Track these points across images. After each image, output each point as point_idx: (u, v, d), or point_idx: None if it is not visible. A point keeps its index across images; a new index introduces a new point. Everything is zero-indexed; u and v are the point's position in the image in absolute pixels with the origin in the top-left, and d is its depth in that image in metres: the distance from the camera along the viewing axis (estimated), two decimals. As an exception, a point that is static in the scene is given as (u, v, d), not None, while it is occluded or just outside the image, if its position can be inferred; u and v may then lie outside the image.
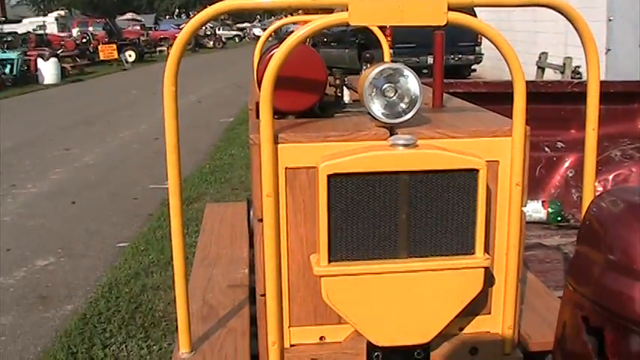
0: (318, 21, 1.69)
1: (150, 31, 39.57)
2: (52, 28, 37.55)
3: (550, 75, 12.19)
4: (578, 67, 11.40)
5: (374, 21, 1.70)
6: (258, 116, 1.73)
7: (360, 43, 16.44)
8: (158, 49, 35.45)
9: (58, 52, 24.48)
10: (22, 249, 6.15)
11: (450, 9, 1.68)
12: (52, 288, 5.28)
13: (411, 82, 1.85)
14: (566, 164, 4.06)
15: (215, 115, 14.11)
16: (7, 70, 20.90)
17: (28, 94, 19.24)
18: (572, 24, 1.80)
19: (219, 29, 49.48)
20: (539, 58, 12.70)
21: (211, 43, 43.16)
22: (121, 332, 4.39)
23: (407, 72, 1.85)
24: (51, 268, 5.71)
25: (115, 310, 4.72)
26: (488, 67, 16.82)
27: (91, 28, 33.61)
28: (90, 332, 4.40)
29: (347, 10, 1.66)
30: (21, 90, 19.77)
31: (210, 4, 1.75)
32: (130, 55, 29.99)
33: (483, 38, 1.81)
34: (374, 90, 1.84)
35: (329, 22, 1.70)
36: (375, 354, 1.86)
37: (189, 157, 9.18)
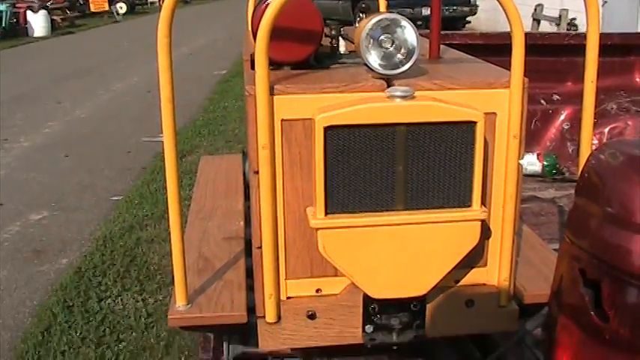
0: None
1: (141, -17, 39.07)
2: (41, -20, 37.00)
3: (546, 27, 12.11)
4: (574, 19, 11.33)
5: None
6: (253, 67, 1.71)
7: (354, -5, 16.31)
8: (150, 0, 35.04)
9: (48, 4, 24.15)
10: (15, 203, 6.15)
11: None
12: (47, 242, 5.29)
13: (408, 32, 1.82)
14: (562, 117, 4.05)
15: (208, 67, 14.01)
16: (-4, 23, 20.66)
17: (17, 47, 19.05)
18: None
19: (211, -20, 48.89)
20: (535, 10, 12.60)
21: (203, -6, 42.68)
22: (116, 285, 4.41)
23: (404, 22, 1.82)
24: (45, 222, 5.72)
25: (110, 264, 4.74)
26: (483, 19, 16.69)
27: (81, -20, 33.15)
28: (85, 285, 4.43)
29: None
30: (10, 43, 19.55)
31: None
32: (121, 7, 29.60)
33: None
34: (371, 41, 1.81)
35: None
36: (372, 306, 1.87)
37: (183, 111, 9.12)
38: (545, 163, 3.65)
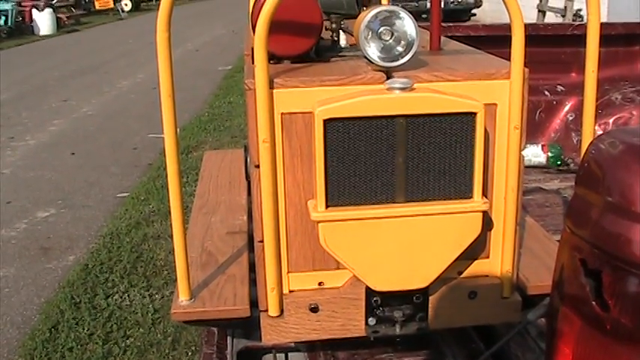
0: None
1: (146, -20, 39.09)
2: (46, -22, 37.08)
3: (551, 18, 12.05)
4: (580, 10, 11.28)
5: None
6: (253, 61, 1.71)
7: (358, -12, 16.24)
8: (154, -3, 35.04)
9: (53, 2, 24.16)
10: (22, 201, 6.17)
11: None
12: (54, 239, 5.31)
13: (408, 24, 1.81)
14: (567, 108, 4.04)
15: (213, 63, 14.02)
16: (1, 22, 20.66)
17: (23, 46, 19.08)
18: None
19: (215, -24, 48.88)
20: (540, 1, 12.55)
21: (208, -10, 42.67)
22: (123, 282, 4.43)
23: (403, 14, 1.81)
24: (52, 219, 5.74)
25: (117, 260, 4.76)
26: (488, 11, 16.64)
27: (85, -23, 33.18)
28: (92, 282, 4.45)
29: None
30: (16, 41, 19.58)
31: None
32: (126, 5, 29.61)
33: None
34: (370, 33, 1.81)
35: None
36: (374, 299, 1.87)
37: (188, 106, 9.14)
38: (549, 154, 3.64)
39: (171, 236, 2.02)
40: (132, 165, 7.15)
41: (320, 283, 1.90)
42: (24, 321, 4.11)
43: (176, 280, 1.98)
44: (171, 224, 1.93)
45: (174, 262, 1.95)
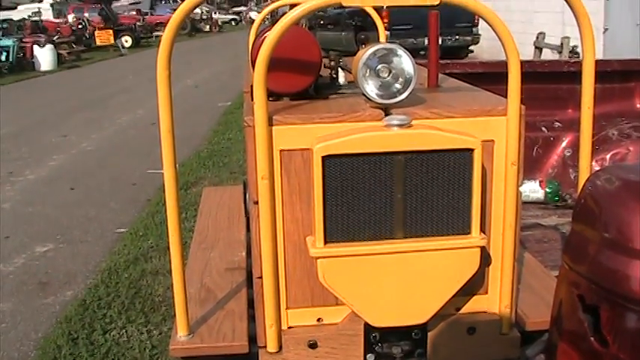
0: (311, 2, 1.68)
1: (146, 16, 39.42)
2: (47, 15, 37.34)
3: (548, 55, 12.16)
4: (576, 46, 11.36)
5: (367, 2, 1.70)
6: (253, 98, 1.73)
7: (356, 26, 16.38)
8: (154, 34, 35.27)
9: (54, 38, 24.40)
10: (20, 236, 6.16)
11: None
12: (52, 274, 5.29)
13: (405, 62, 1.84)
14: (564, 144, 4.06)
15: (213, 99, 14.07)
16: (3, 58, 20.82)
17: (24, 81, 19.19)
18: (566, 1, 1.79)
19: (215, 13, 49.31)
20: (537, 37, 12.66)
21: (208, 27, 43.04)
22: (121, 317, 4.40)
23: (401, 52, 1.84)
24: (50, 254, 5.72)
25: (115, 296, 4.73)
26: (486, 48, 16.76)
27: (86, 14, 33.48)
28: (90, 318, 4.41)
29: None
30: (17, 77, 19.71)
31: None
32: (126, 41, 29.89)
33: (480, 19, 1.80)
34: (368, 70, 1.83)
35: (322, 3, 1.69)
36: (373, 335, 1.86)
37: (187, 142, 9.17)
38: (547, 189, 3.65)
39: (169, 272, 2.02)
40: (131, 200, 7.14)
41: (319, 319, 1.90)
42: (21, 357, 4.07)
43: (174, 315, 1.97)
44: (170, 260, 1.93)
45: (173, 297, 1.95)
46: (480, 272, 1.85)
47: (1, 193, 7.60)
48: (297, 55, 1.90)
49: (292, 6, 2.32)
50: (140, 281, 4.95)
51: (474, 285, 1.89)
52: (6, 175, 8.35)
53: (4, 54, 20.86)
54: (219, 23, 45.88)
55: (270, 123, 1.74)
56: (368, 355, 1.88)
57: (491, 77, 2.68)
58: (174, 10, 1.83)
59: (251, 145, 1.76)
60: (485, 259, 1.88)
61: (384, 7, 2.70)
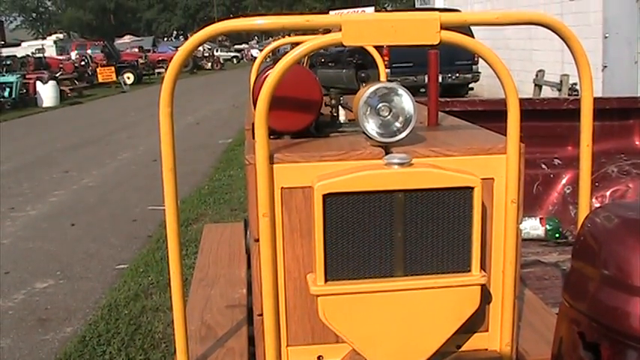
0: (312, 41, 1.70)
1: (148, 54, 39.78)
2: (50, 52, 37.78)
3: (547, 92, 12.24)
4: (575, 84, 11.44)
5: (367, 41, 1.71)
6: (254, 136, 1.74)
7: (357, 64, 16.54)
8: (157, 71, 35.61)
9: (57, 74, 24.60)
10: (20, 272, 6.15)
11: (443, 28, 1.69)
12: (52, 310, 5.27)
13: (406, 101, 1.86)
14: (564, 181, 4.07)
15: (214, 136, 14.15)
16: (6, 94, 20.99)
17: (26, 117, 19.30)
18: (564, 40, 1.81)
19: (217, 51, 49.75)
20: (536, 75, 12.77)
21: (209, 64, 43.39)
22: (121, 354, 4.37)
23: (401, 91, 1.86)
24: (50, 290, 5.71)
25: (115, 332, 4.71)
26: (486, 85, 16.89)
27: (89, 51, 33.87)
28: (89, 354, 4.39)
29: (340, 30, 1.67)
30: (20, 113, 19.83)
31: (207, 26, 1.76)
32: (128, 78, 30.10)
33: (480, 57, 1.82)
34: (368, 109, 1.85)
35: (323, 43, 1.71)
36: (374, 373, 1.86)
37: (188, 179, 9.20)
38: (547, 227, 3.64)
39: (170, 309, 2.02)
40: (131, 237, 7.15)
41: (319, 357, 1.89)
42: (19, 395, 4.06)
43: (175, 353, 1.97)
44: (170, 296, 1.93)
45: (174, 334, 1.95)
46: (480, 310, 1.85)
47: (2, 228, 7.60)
48: (299, 94, 1.92)
49: (293, 44, 2.36)
50: (140, 318, 4.93)
51: (475, 322, 1.89)
52: (7, 211, 8.37)
53: (7, 90, 21.04)
54: (221, 61, 46.26)
55: (272, 161, 1.75)
56: None
57: (491, 115, 2.70)
58: (177, 47, 1.85)
59: (252, 182, 1.77)
60: (486, 296, 1.88)
61: (385, 45, 2.72)
